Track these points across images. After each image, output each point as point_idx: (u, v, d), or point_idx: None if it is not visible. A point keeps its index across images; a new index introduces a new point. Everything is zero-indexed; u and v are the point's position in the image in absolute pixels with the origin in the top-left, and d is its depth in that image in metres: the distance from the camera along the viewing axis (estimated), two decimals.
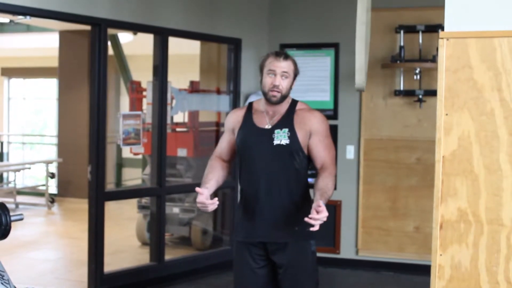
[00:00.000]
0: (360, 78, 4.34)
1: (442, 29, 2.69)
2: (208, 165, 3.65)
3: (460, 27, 2.62)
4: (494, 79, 2.57)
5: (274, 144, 3.43)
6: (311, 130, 3.44)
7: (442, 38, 2.63)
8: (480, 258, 2.58)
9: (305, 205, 3.49)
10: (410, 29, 6.23)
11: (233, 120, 3.61)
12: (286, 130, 3.43)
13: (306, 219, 3.14)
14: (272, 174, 3.43)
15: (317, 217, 3.12)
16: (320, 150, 3.45)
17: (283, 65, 3.43)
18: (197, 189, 3.40)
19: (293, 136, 3.42)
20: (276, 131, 3.44)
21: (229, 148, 3.63)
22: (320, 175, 3.42)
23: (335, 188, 3.47)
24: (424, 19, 6.21)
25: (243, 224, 3.55)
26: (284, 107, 3.49)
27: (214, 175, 3.58)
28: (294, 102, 3.53)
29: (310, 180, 3.57)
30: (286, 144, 3.42)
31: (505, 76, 2.55)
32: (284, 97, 3.46)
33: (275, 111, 3.49)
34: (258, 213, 3.46)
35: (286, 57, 3.46)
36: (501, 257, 2.56)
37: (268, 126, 3.47)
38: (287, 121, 3.45)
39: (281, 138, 3.43)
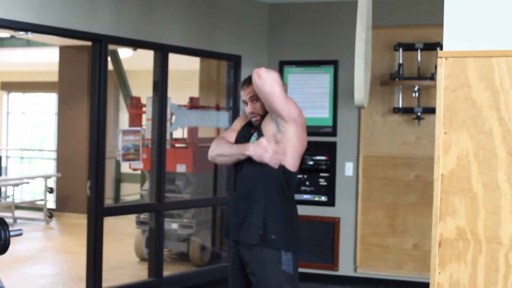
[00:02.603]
0: (359, 95, 4.37)
1: (441, 47, 2.72)
2: (220, 142, 3.75)
3: (459, 47, 2.64)
4: (493, 98, 2.58)
5: None
6: (271, 116, 3.57)
7: (441, 57, 2.65)
8: (479, 277, 2.58)
9: (280, 212, 3.60)
10: (409, 47, 6.26)
11: (238, 123, 3.88)
12: (256, 134, 3.64)
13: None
14: (247, 178, 3.63)
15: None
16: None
17: (249, 91, 3.68)
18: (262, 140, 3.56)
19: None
20: (252, 137, 3.66)
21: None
22: None
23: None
24: (423, 37, 6.24)
25: (226, 222, 3.85)
26: None
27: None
28: None
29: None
30: None
31: (503, 95, 2.57)
32: (264, 116, 3.67)
33: None
34: (234, 213, 3.69)
35: (250, 82, 3.65)
36: (499, 276, 2.56)
37: (249, 134, 3.72)
38: (260, 127, 3.66)
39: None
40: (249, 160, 3.59)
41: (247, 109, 3.71)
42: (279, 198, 3.61)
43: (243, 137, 3.72)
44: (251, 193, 3.61)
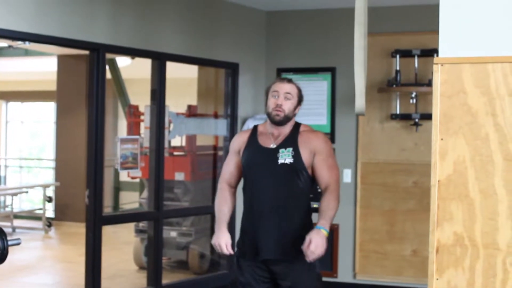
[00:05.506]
0: (360, 103, 4.37)
1: (438, 53, 2.72)
2: (218, 195, 3.76)
3: (454, 53, 2.65)
4: (489, 104, 2.59)
5: (279, 163, 3.56)
6: (315, 150, 3.59)
7: (436, 64, 2.65)
8: (476, 282, 2.58)
9: (308, 225, 3.62)
10: (406, 54, 6.28)
11: (239, 141, 3.75)
12: (290, 149, 3.57)
13: (303, 248, 3.38)
14: (276, 192, 3.55)
15: (311, 249, 3.37)
16: (324, 170, 3.61)
17: (286, 87, 3.62)
18: (226, 249, 3.58)
19: (297, 155, 3.56)
20: (280, 150, 3.58)
21: (237, 171, 3.76)
22: (323, 196, 3.59)
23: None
24: (420, 44, 6.26)
25: (247, 243, 3.63)
26: (288, 128, 3.65)
27: (228, 207, 3.72)
28: (297, 124, 3.71)
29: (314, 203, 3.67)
30: (290, 163, 3.55)
31: (499, 101, 2.57)
32: (287, 118, 3.62)
33: (279, 132, 3.65)
34: (262, 231, 3.56)
35: (290, 81, 3.68)
36: (497, 281, 2.56)
37: (273, 146, 3.61)
38: (291, 141, 3.60)
39: (285, 157, 3.56)
40: (273, 169, 3.56)
41: (273, 100, 3.61)
42: (308, 206, 3.68)
43: (262, 153, 3.62)
44: (283, 204, 3.56)
